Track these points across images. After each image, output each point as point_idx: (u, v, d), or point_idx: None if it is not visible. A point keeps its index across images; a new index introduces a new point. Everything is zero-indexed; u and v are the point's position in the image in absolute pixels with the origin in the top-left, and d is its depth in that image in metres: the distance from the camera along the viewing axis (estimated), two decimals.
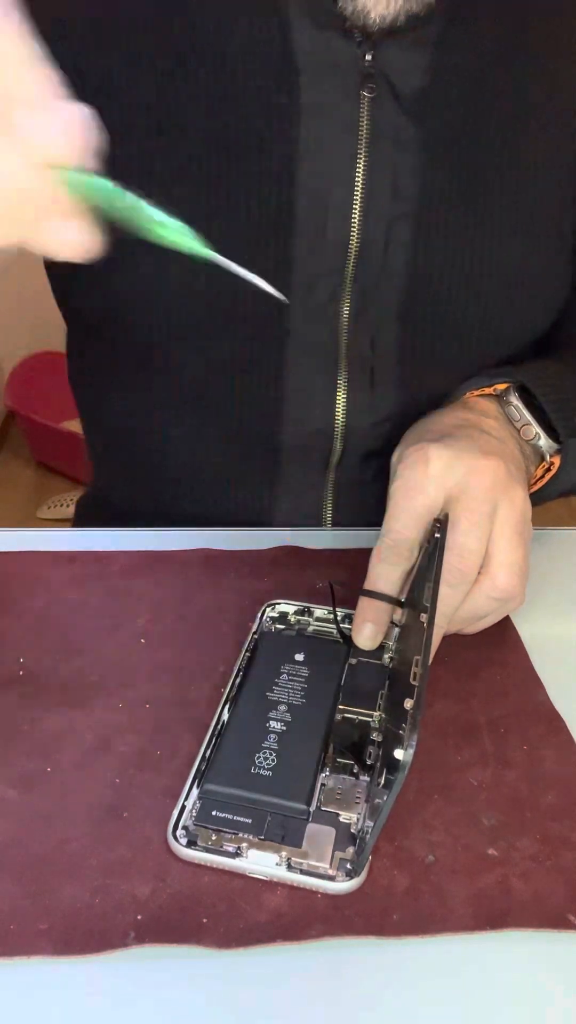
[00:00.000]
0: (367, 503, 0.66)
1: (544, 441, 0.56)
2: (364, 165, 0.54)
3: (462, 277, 0.57)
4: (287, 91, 0.53)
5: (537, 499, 0.59)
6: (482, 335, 0.60)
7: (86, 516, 0.82)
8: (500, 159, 0.57)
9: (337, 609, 0.51)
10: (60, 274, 0.63)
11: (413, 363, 0.60)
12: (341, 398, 0.61)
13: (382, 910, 0.35)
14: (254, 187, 0.54)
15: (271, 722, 0.43)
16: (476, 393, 0.58)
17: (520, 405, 0.56)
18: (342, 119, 0.54)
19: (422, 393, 0.61)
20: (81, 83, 0.54)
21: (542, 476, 0.58)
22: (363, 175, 0.55)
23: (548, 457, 0.57)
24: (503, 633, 0.51)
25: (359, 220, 0.55)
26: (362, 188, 0.55)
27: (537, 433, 0.56)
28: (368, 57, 0.53)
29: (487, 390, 0.58)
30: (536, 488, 0.58)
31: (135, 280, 0.57)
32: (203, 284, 0.56)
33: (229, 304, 0.56)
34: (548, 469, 0.58)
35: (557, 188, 0.59)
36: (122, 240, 0.59)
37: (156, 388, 0.64)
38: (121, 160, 0.54)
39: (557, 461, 0.57)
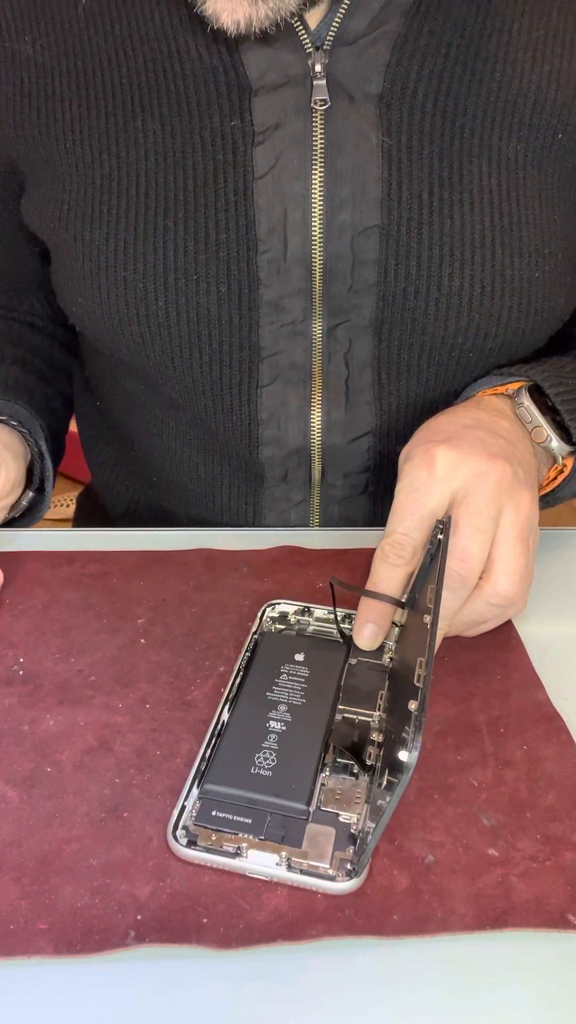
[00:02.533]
0: (354, 518, 0.66)
1: (556, 443, 0.55)
2: (320, 180, 0.54)
3: (440, 291, 0.55)
4: (240, 114, 0.53)
5: (551, 502, 0.58)
6: (463, 349, 0.58)
7: (86, 511, 0.82)
8: (472, 161, 0.55)
9: (337, 609, 0.51)
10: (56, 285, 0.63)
11: (389, 378, 0.59)
12: (317, 416, 0.60)
13: (382, 910, 0.35)
14: (212, 212, 0.54)
15: (271, 722, 0.43)
16: (489, 392, 0.56)
17: (531, 407, 0.54)
18: (294, 135, 0.53)
19: (399, 408, 0.60)
20: (41, 128, 0.56)
21: (554, 478, 0.57)
22: (320, 191, 0.54)
23: (560, 459, 0.56)
24: (503, 633, 0.51)
25: (320, 236, 0.54)
26: (321, 204, 0.54)
27: (548, 436, 0.54)
28: (318, 68, 0.53)
29: (499, 389, 0.56)
30: (548, 491, 0.57)
31: (95, 304, 0.57)
32: (163, 306, 0.56)
33: (196, 324, 0.56)
34: (560, 471, 0.56)
35: (541, 191, 0.56)
36: (82, 269, 0.60)
37: (144, 398, 0.64)
38: (83, 198, 0.56)
39: (570, 463, 0.56)
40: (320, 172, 0.54)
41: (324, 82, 0.53)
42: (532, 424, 0.54)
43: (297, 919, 0.35)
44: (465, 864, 0.37)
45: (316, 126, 0.53)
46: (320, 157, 0.53)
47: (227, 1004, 0.32)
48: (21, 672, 0.47)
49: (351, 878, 0.36)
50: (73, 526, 0.84)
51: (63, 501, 2.21)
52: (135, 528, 0.62)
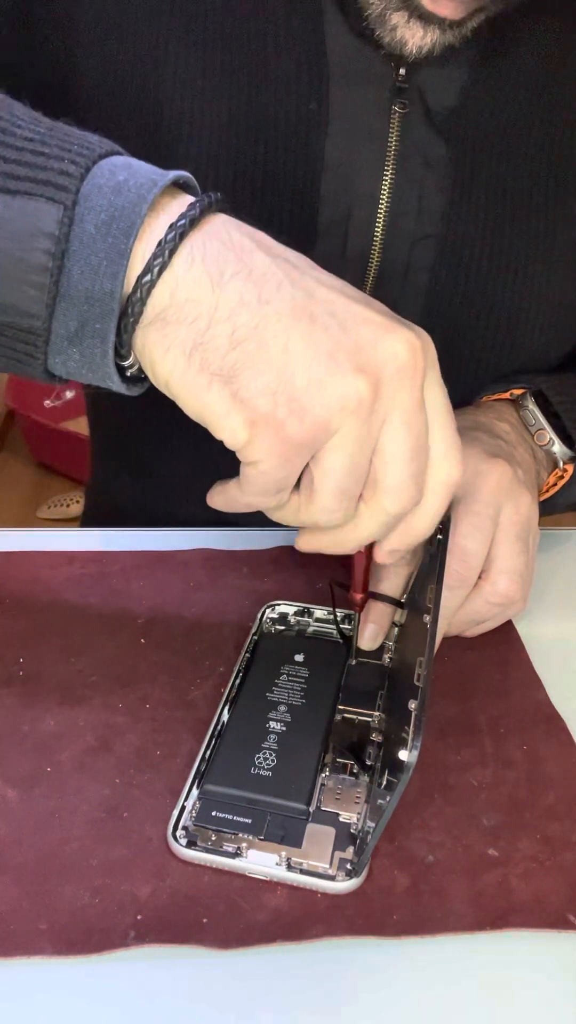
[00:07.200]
0: None
1: (558, 447, 0.55)
2: (390, 182, 0.53)
3: (484, 301, 0.56)
4: (317, 97, 0.52)
5: (549, 508, 0.59)
6: (501, 359, 0.59)
7: (95, 503, 0.81)
8: (526, 181, 0.56)
9: (337, 609, 0.51)
10: None
11: None
12: None
13: (382, 910, 0.35)
14: (276, 198, 0.53)
15: (271, 722, 0.43)
16: (493, 397, 0.58)
17: (536, 410, 0.56)
18: (370, 133, 0.53)
19: None
20: (113, 76, 0.53)
21: (555, 483, 0.57)
22: (388, 193, 0.53)
23: (562, 464, 0.56)
24: (504, 633, 0.51)
25: (381, 238, 0.54)
26: (387, 206, 0.54)
27: (551, 439, 0.55)
28: (402, 71, 0.52)
29: (503, 395, 0.57)
30: (548, 495, 0.58)
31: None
32: None
33: None
34: (561, 477, 0.57)
35: None
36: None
37: (158, 394, 0.63)
38: (148, 144, 0.53)
39: (571, 469, 0.57)
40: (391, 176, 0.53)
41: (404, 86, 0.52)
42: (535, 427, 0.55)
43: (297, 919, 0.35)
44: (465, 864, 0.37)
45: (392, 129, 0.53)
46: (392, 160, 0.53)
47: (227, 1004, 0.32)
48: (21, 672, 0.47)
49: (351, 878, 0.36)
50: (84, 510, 0.84)
51: (63, 501, 2.21)
52: (135, 528, 0.62)
